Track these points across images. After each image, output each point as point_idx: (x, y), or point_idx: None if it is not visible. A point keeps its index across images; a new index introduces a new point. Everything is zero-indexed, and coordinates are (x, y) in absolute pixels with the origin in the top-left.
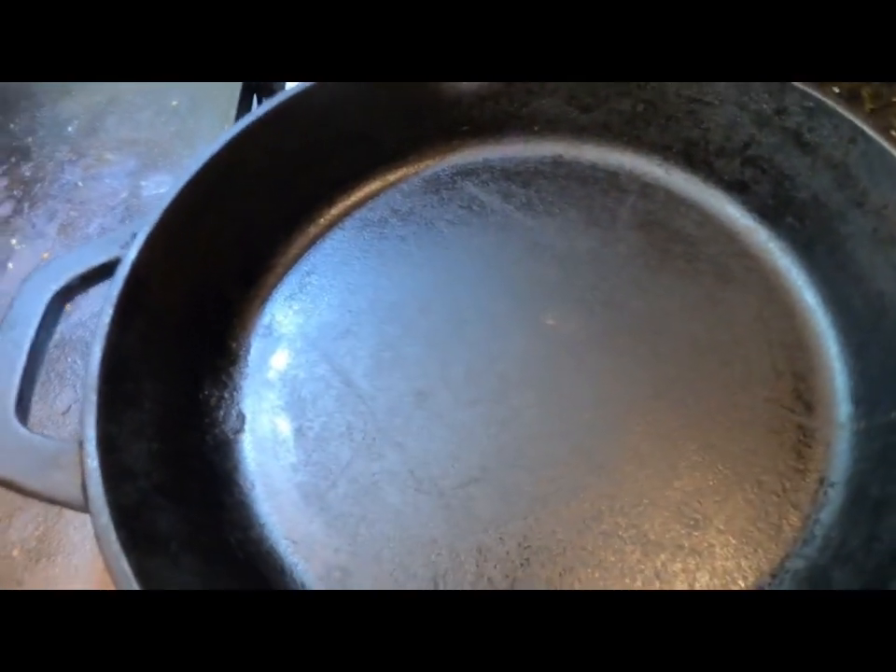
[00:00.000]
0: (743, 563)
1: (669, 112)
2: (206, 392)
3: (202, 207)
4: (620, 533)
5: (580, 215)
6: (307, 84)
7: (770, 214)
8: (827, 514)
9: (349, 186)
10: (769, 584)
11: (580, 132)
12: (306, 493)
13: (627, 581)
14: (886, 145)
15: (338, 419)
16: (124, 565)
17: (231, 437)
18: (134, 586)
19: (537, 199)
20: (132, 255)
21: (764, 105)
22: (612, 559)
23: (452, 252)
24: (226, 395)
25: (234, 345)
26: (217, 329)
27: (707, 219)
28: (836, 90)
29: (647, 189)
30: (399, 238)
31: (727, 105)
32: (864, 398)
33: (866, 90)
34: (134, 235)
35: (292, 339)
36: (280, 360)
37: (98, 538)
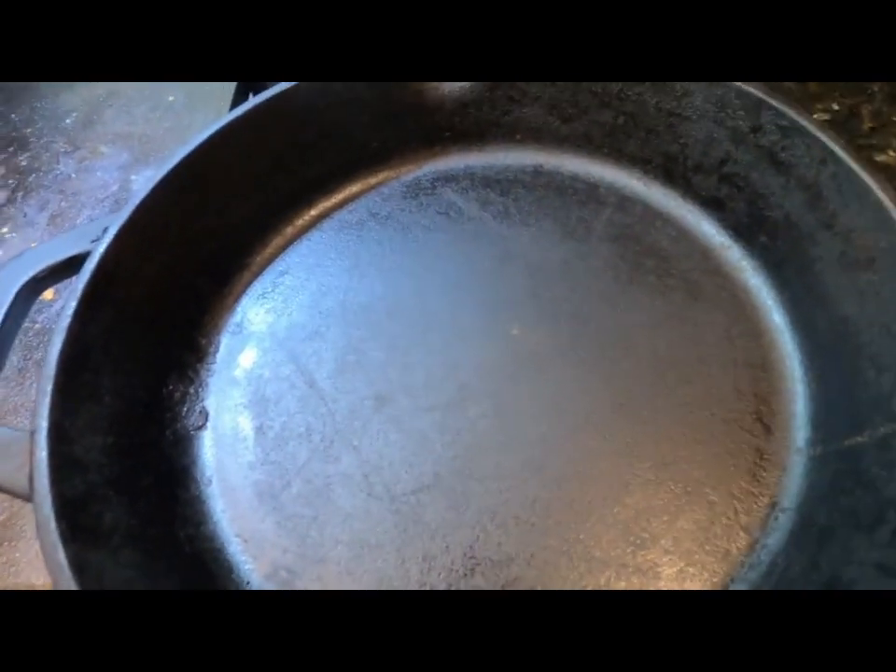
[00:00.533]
0: (687, 584)
1: (649, 125)
2: (171, 387)
3: (176, 205)
4: (565, 548)
5: (555, 225)
6: (288, 84)
7: (744, 232)
8: (775, 540)
9: (329, 188)
10: None
11: (561, 142)
12: (261, 491)
13: None
14: (855, 167)
15: (298, 420)
16: (60, 556)
17: (192, 432)
18: (69, 578)
19: (514, 208)
20: (100, 249)
21: (741, 122)
22: (555, 574)
23: (425, 257)
24: (191, 391)
25: (204, 342)
26: (188, 324)
27: (682, 235)
28: (836, 106)
29: (625, 202)
30: (376, 241)
31: (705, 120)
32: (823, 423)
33: (866, 108)
34: (106, 230)
35: (261, 338)
36: (248, 359)
37: (38, 528)
